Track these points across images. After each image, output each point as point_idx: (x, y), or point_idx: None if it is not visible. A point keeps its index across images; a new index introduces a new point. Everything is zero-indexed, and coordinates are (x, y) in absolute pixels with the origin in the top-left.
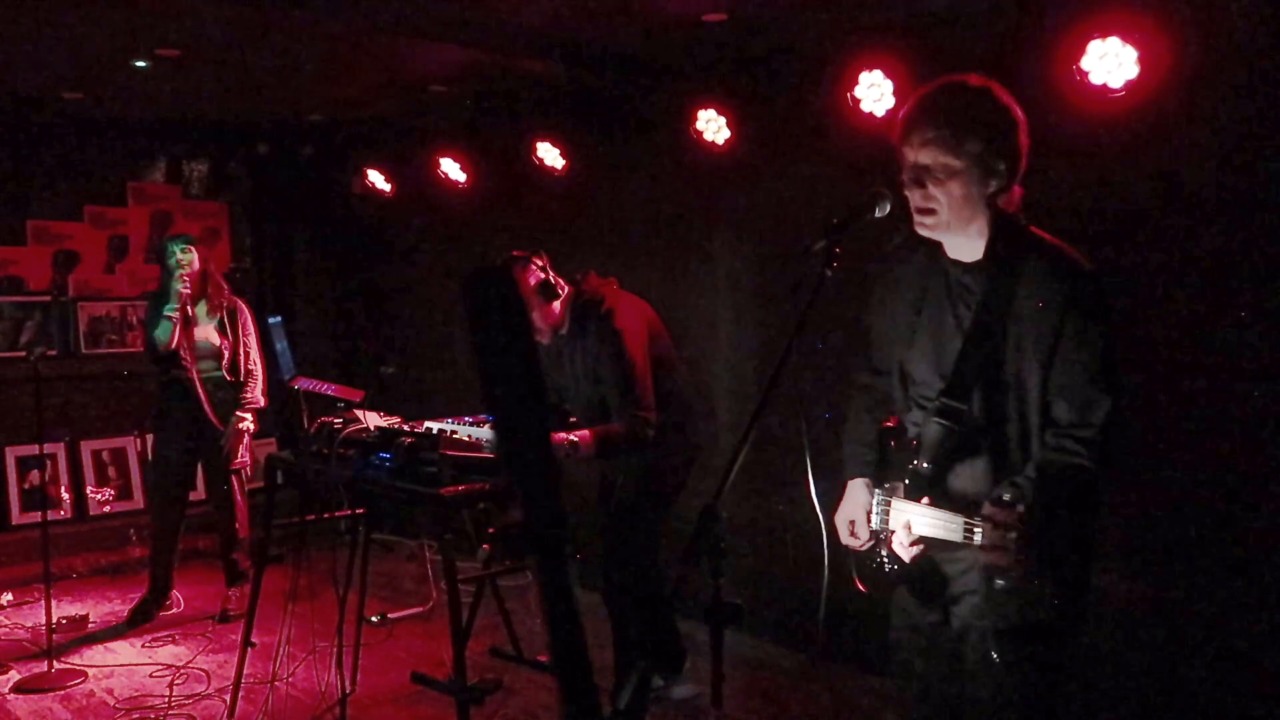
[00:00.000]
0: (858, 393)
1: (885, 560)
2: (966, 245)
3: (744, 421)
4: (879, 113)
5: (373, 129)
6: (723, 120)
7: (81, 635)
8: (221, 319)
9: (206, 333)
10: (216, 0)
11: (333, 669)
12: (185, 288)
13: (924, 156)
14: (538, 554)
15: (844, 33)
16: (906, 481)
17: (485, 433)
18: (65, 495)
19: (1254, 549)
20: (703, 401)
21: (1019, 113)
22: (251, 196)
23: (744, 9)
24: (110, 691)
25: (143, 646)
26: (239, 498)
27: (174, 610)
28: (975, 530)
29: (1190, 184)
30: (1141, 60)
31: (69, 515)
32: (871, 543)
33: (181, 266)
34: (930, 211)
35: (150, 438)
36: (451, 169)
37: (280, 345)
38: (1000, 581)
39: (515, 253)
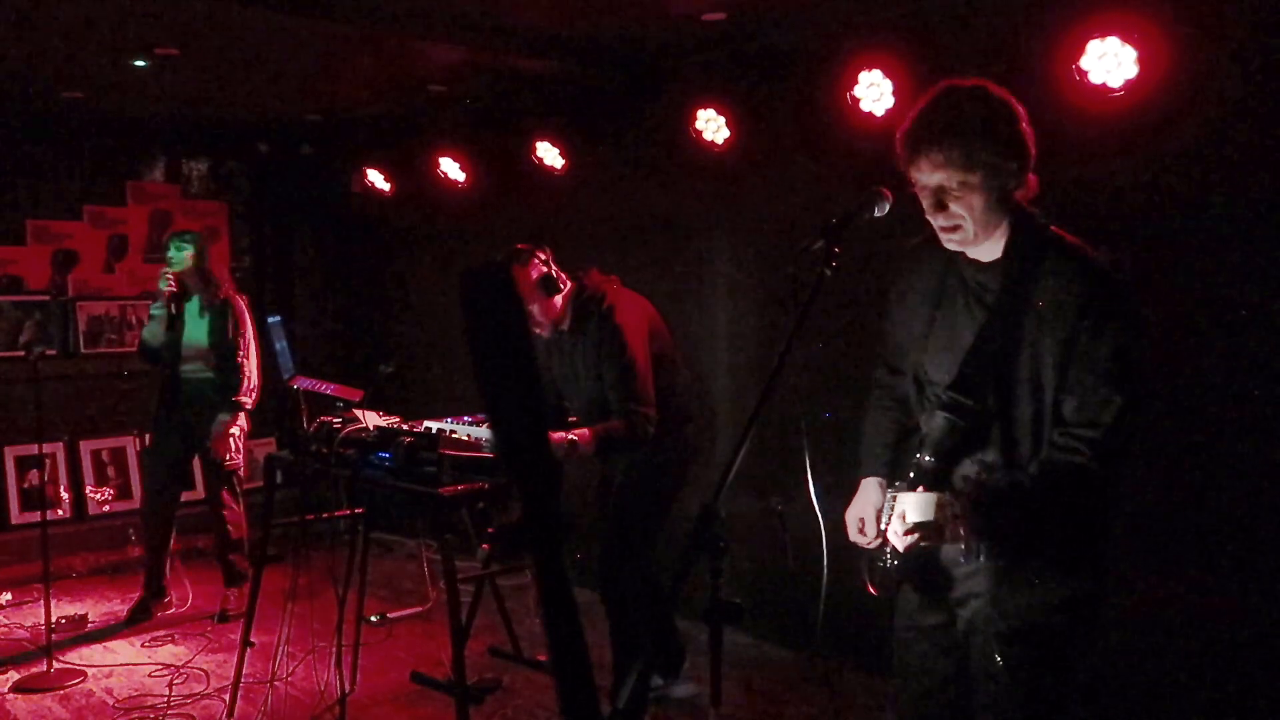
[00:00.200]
0: (876, 391)
1: (888, 556)
2: (987, 246)
3: (743, 421)
4: (878, 112)
5: (372, 128)
6: (722, 120)
7: (80, 635)
8: (212, 318)
9: (195, 332)
10: None
11: (332, 668)
12: (168, 287)
13: (939, 178)
14: (537, 553)
15: (844, 32)
16: (911, 475)
17: (484, 432)
18: (64, 495)
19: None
20: (702, 400)
21: (1017, 104)
22: (251, 196)
23: (744, 8)
24: (109, 691)
25: (142, 646)
26: (231, 500)
27: (173, 610)
28: (945, 505)
29: (1190, 184)
30: (1141, 60)
31: (68, 515)
32: (879, 542)
33: (172, 265)
34: (956, 229)
35: (150, 436)
36: (451, 168)
37: (280, 344)
38: (961, 561)
39: (520, 245)
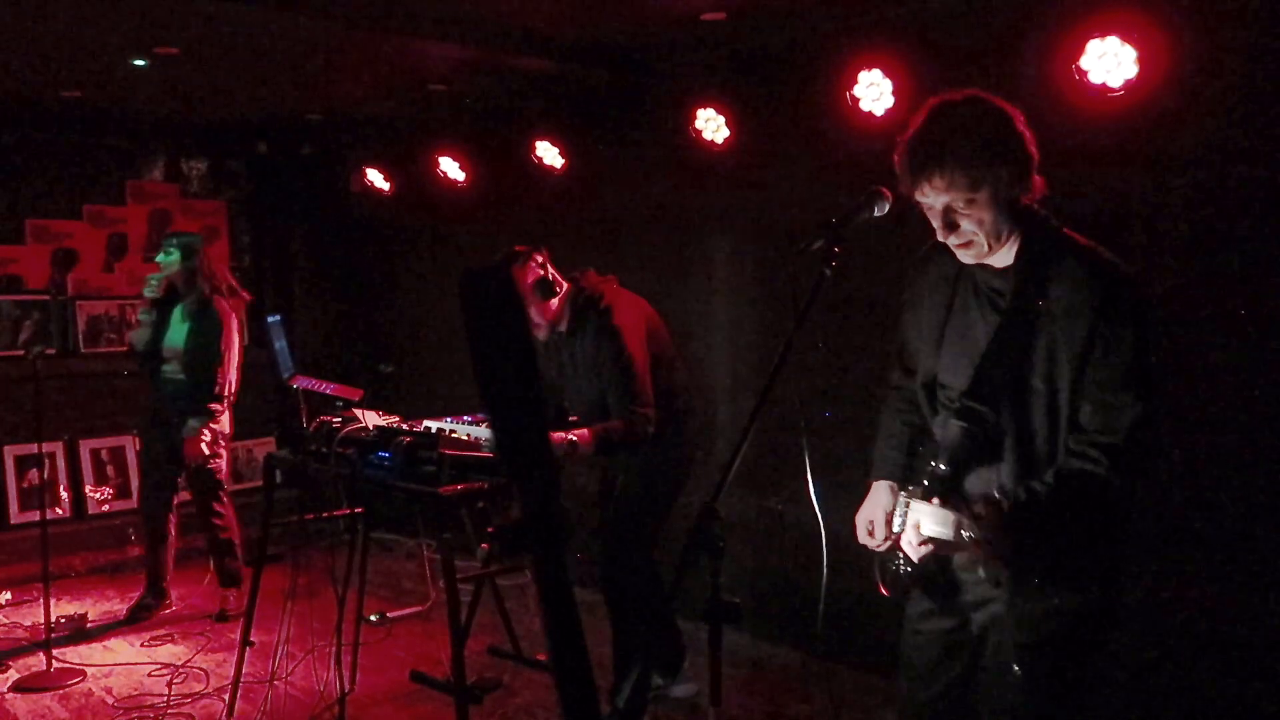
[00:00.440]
0: (890, 393)
1: (901, 563)
2: (1001, 253)
3: (743, 420)
4: (878, 112)
5: (372, 128)
6: (722, 119)
7: (80, 634)
8: (193, 324)
9: (176, 335)
10: None
11: (331, 668)
12: (151, 293)
13: (945, 200)
14: (537, 553)
15: (843, 32)
16: (925, 483)
17: (484, 432)
18: (64, 494)
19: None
20: (701, 400)
21: (1012, 109)
22: (250, 195)
23: (743, 8)
24: (109, 690)
25: (141, 645)
26: (216, 504)
27: (173, 609)
28: (964, 528)
29: (1189, 183)
30: (1140, 60)
31: (68, 514)
32: (890, 545)
33: (159, 270)
34: (970, 245)
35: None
36: (450, 168)
37: (279, 344)
38: (981, 572)
39: (517, 248)
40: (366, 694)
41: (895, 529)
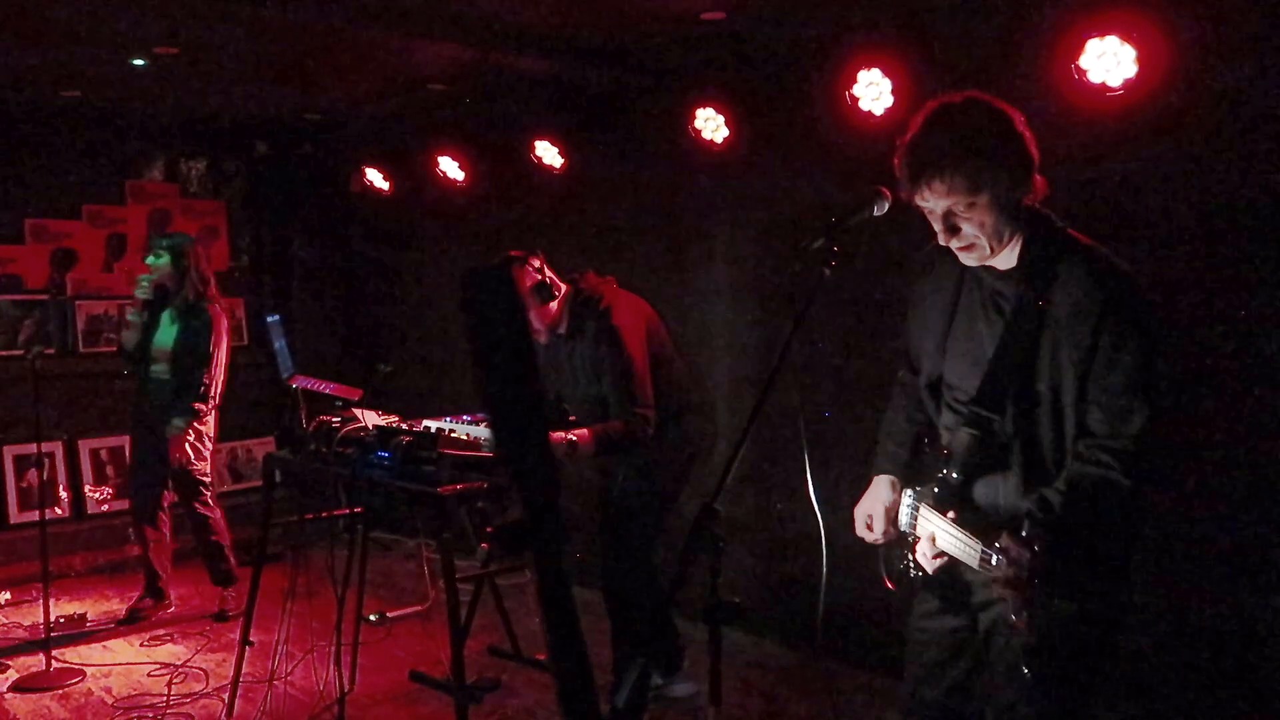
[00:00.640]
0: (896, 390)
1: (911, 566)
2: (1004, 254)
3: (743, 420)
4: (878, 111)
5: (371, 127)
6: (721, 119)
7: (79, 634)
8: (182, 325)
9: (165, 336)
10: None
11: (331, 668)
12: (143, 294)
13: (945, 204)
14: (536, 553)
15: (842, 31)
16: (936, 490)
17: (484, 431)
18: (63, 494)
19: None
20: (702, 399)
21: (1012, 111)
22: (250, 195)
23: (743, 7)
24: (108, 690)
25: (141, 645)
26: (198, 506)
27: (172, 609)
28: (989, 562)
29: (1188, 183)
30: (1140, 59)
31: (67, 514)
32: (892, 539)
33: (150, 271)
34: (971, 248)
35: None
36: (450, 167)
37: (279, 343)
38: (1013, 616)
39: (512, 253)
40: (366, 694)
41: (902, 528)
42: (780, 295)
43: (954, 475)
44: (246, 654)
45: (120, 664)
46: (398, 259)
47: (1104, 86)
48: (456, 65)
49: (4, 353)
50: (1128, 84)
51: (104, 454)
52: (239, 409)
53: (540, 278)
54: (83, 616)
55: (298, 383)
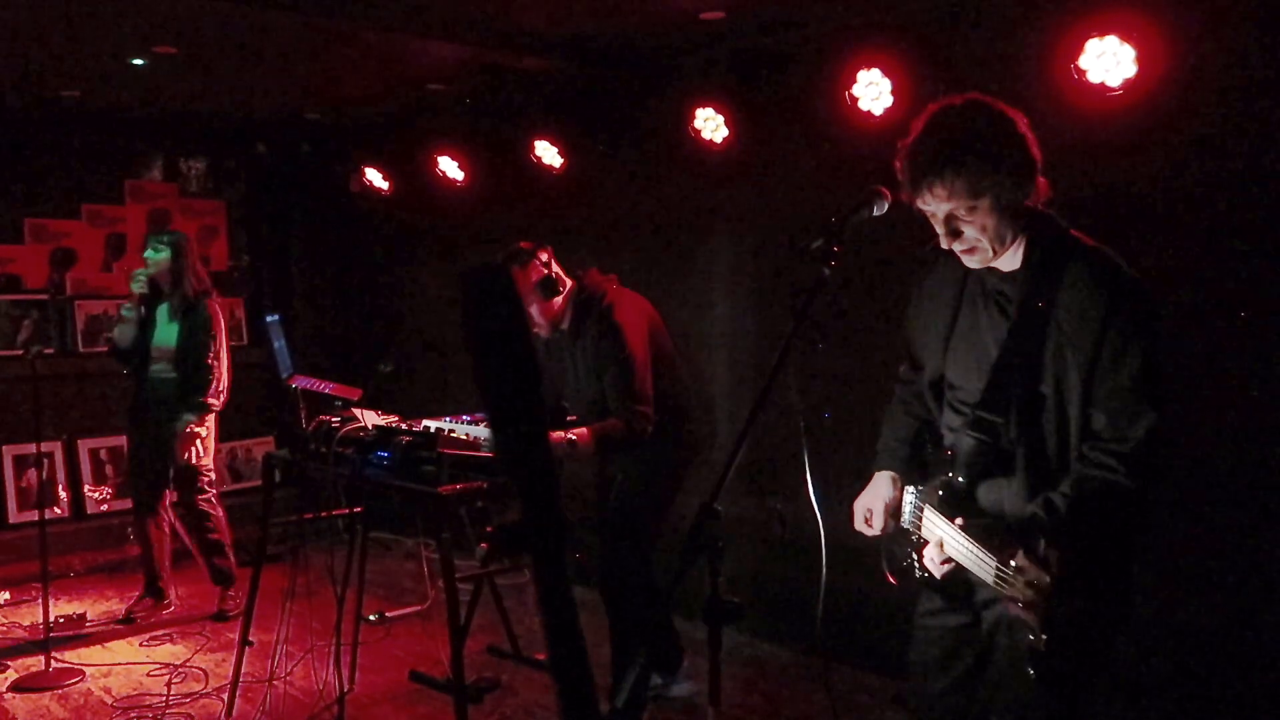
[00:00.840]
0: (898, 386)
1: (916, 566)
2: (1007, 256)
3: (742, 419)
4: (877, 111)
5: (371, 127)
6: (721, 119)
7: (79, 634)
8: (183, 322)
9: (165, 334)
10: None
11: (331, 667)
12: (139, 289)
13: (947, 208)
14: (536, 553)
15: (842, 31)
16: (941, 493)
17: (483, 431)
18: (63, 494)
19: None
20: (701, 399)
21: (1014, 113)
22: (249, 194)
23: (742, 7)
24: (108, 690)
25: (140, 645)
26: (202, 504)
27: (171, 609)
28: (1006, 580)
29: (1188, 183)
30: (1139, 59)
31: (66, 514)
32: (890, 533)
33: (146, 267)
34: (973, 250)
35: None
36: (449, 167)
37: (278, 343)
38: (1030, 637)
39: (522, 244)
40: (366, 693)
41: (904, 524)
42: (780, 295)
43: (959, 479)
44: (246, 654)
45: (120, 664)
46: (397, 259)
47: (1104, 86)
48: (456, 65)
49: (3, 352)
50: (1127, 84)
51: (103, 454)
52: (238, 409)
53: (547, 273)
54: (82, 616)
55: (297, 383)
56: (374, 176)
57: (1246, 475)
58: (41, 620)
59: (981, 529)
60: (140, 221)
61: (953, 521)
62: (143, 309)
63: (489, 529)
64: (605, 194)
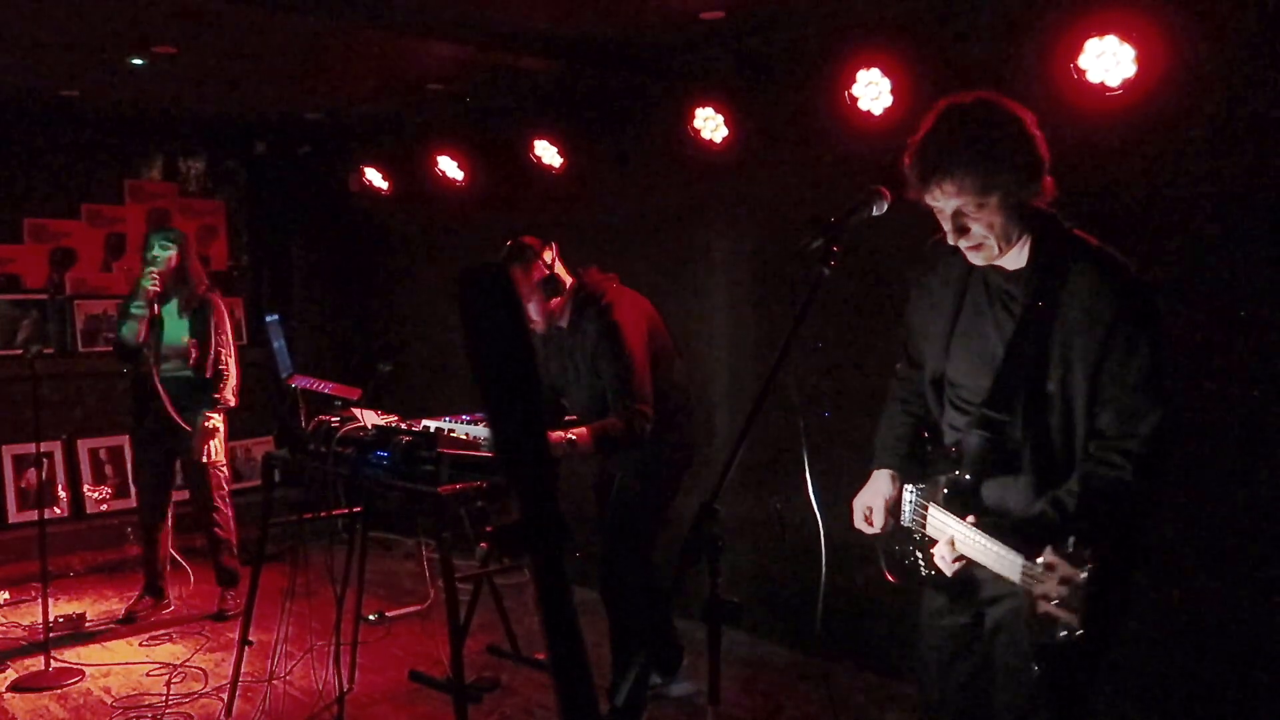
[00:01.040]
0: (895, 383)
1: (921, 565)
2: (1012, 254)
3: (741, 420)
4: (876, 111)
5: (370, 127)
6: (720, 118)
7: (78, 633)
8: (191, 317)
9: (175, 332)
10: None
11: (330, 667)
12: (153, 285)
13: (955, 204)
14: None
15: (842, 30)
16: (946, 491)
17: (483, 431)
18: (62, 493)
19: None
20: (701, 399)
21: (1023, 112)
22: (249, 194)
23: (742, 7)
24: (107, 690)
25: (140, 645)
26: (217, 501)
27: (171, 609)
28: (1034, 577)
29: (1188, 182)
30: (1139, 59)
31: (66, 513)
32: (890, 531)
33: (155, 264)
34: (979, 247)
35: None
36: (449, 167)
37: (278, 343)
38: (1063, 633)
39: (526, 239)
40: (365, 693)
41: (905, 523)
42: (779, 295)
43: (966, 476)
44: (246, 653)
45: (119, 664)
46: (397, 259)
47: (1103, 86)
48: (456, 65)
49: (3, 352)
50: (1126, 84)
51: (103, 453)
52: (238, 408)
53: (549, 271)
54: (81, 616)
55: (297, 382)
56: (374, 176)
57: (1247, 475)
58: (41, 620)
59: (998, 526)
60: (140, 221)
61: (964, 519)
62: (155, 307)
63: (489, 529)
64: (605, 194)
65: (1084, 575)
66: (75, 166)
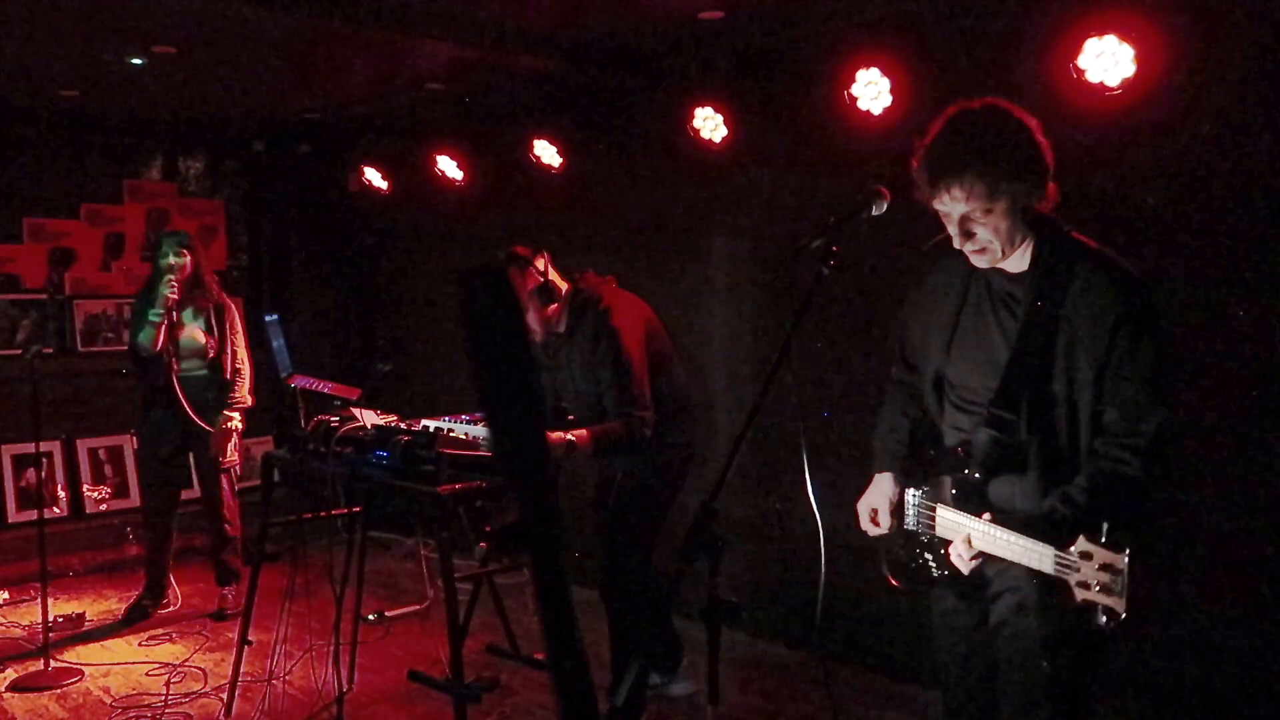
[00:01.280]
0: (892, 386)
1: (933, 566)
2: (1014, 257)
3: (741, 420)
4: (876, 111)
5: (370, 126)
6: (720, 118)
7: (78, 633)
8: (207, 318)
9: (191, 332)
10: None
11: (330, 667)
12: (173, 293)
13: (962, 209)
14: (534, 553)
15: (841, 30)
16: (955, 491)
17: (483, 431)
18: (62, 493)
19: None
20: (700, 400)
21: (1029, 118)
22: (248, 194)
23: (741, 6)
24: (107, 690)
25: (139, 645)
26: (229, 498)
27: (170, 608)
28: (1069, 567)
29: (1187, 182)
30: (1138, 59)
31: (65, 513)
32: (892, 536)
33: (172, 270)
34: (984, 250)
35: (138, 437)
36: (448, 166)
37: (277, 343)
38: (1103, 619)
39: (519, 249)
40: (365, 693)
41: (909, 526)
42: (779, 295)
43: (974, 475)
44: (245, 653)
45: (119, 663)
46: (396, 259)
47: (1102, 86)
48: (455, 65)
49: (2, 352)
50: (1126, 84)
51: (102, 453)
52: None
53: (543, 280)
54: (81, 616)
55: (296, 382)
56: (373, 176)
57: (1247, 475)
58: (40, 620)
59: (1007, 523)
60: (139, 221)
61: (979, 516)
62: (175, 314)
63: (488, 528)
64: (604, 194)
65: (1125, 560)
66: (75, 166)
